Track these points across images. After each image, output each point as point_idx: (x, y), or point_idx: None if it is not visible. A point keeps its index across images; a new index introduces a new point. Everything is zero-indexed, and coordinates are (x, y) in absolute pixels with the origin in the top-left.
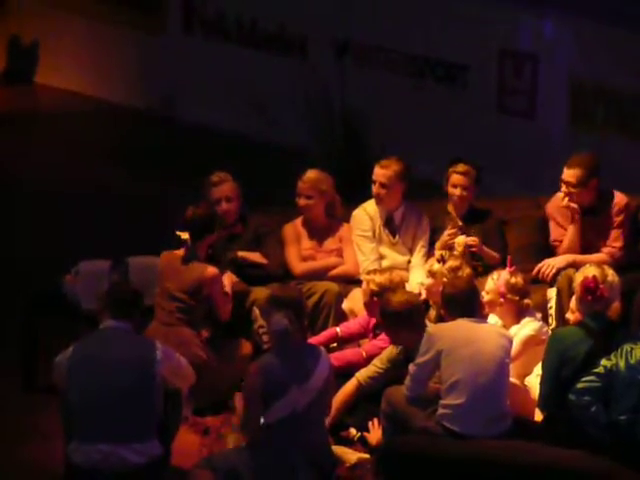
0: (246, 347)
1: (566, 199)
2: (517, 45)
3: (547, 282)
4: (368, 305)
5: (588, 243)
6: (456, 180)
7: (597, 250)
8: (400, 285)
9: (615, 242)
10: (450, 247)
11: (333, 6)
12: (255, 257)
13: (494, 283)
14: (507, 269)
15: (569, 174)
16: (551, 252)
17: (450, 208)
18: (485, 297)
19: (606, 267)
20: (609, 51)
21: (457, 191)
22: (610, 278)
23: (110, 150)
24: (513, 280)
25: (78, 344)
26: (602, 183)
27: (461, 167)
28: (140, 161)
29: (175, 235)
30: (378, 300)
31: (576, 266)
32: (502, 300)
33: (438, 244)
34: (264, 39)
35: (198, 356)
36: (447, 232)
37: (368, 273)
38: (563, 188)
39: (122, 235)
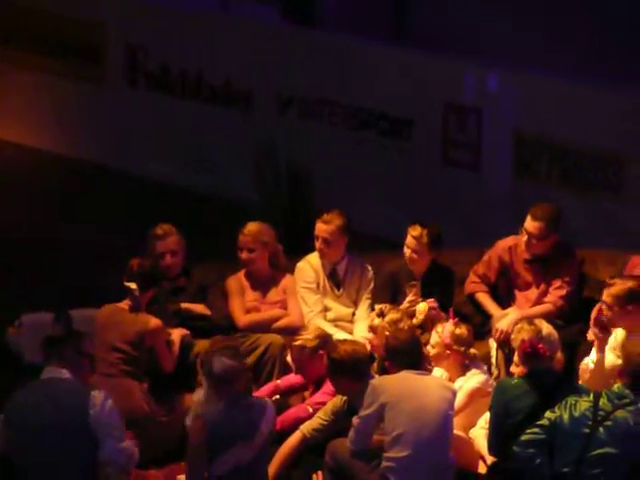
0: (190, 400)
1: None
2: (461, 99)
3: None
4: (306, 368)
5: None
6: (408, 242)
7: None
8: (329, 334)
9: (558, 291)
10: (412, 315)
11: (278, 60)
12: (199, 309)
13: (439, 336)
14: (451, 321)
15: (533, 226)
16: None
17: (410, 268)
18: (431, 351)
19: (538, 321)
20: (553, 104)
21: (407, 252)
22: (545, 332)
23: (48, 199)
24: (458, 331)
25: (10, 406)
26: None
27: (415, 230)
28: (79, 210)
29: (123, 286)
30: (320, 355)
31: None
32: (448, 352)
33: (401, 309)
34: (209, 93)
35: (141, 408)
36: (408, 299)
37: (295, 340)
38: (524, 237)
39: (59, 284)
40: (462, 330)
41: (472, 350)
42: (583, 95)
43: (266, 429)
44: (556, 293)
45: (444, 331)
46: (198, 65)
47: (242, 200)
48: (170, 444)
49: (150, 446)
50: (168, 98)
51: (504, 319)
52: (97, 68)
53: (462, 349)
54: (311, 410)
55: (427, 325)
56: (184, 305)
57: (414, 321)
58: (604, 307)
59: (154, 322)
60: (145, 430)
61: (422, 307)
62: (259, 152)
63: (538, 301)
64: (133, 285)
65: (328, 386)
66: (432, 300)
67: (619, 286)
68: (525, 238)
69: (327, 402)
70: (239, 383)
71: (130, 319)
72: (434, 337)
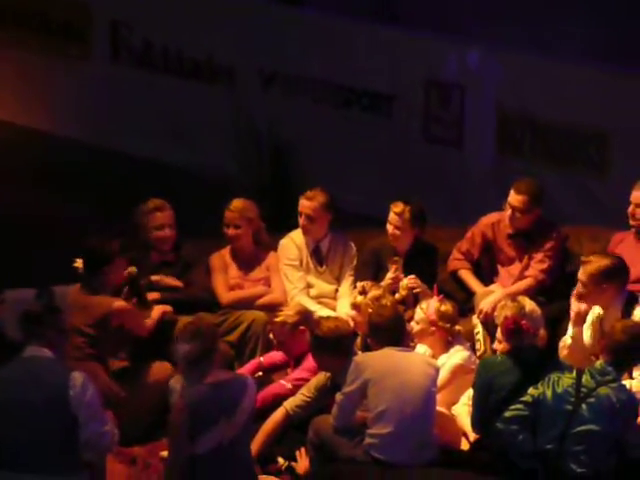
0: (164, 368)
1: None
2: (444, 75)
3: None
4: (287, 344)
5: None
6: (391, 218)
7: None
8: (311, 312)
9: (539, 265)
10: (394, 291)
11: (260, 36)
12: (168, 281)
13: (424, 312)
14: (435, 297)
15: (517, 199)
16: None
17: (393, 244)
18: (415, 327)
19: (521, 298)
20: (536, 81)
21: (390, 229)
22: (528, 309)
23: (36, 177)
24: (443, 308)
25: None
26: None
27: (397, 207)
28: (67, 188)
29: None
30: (300, 331)
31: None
32: (433, 329)
33: (383, 285)
34: (192, 69)
35: (108, 390)
36: (389, 275)
37: (276, 317)
38: (508, 211)
39: (44, 261)
40: (447, 307)
41: (457, 327)
42: (566, 72)
43: (247, 406)
44: (537, 267)
45: (429, 307)
46: (181, 41)
47: (224, 176)
48: (147, 418)
49: (128, 424)
50: (151, 74)
51: (487, 299)
52: (81, 44)
53: (447, 326)
54: (289, 387)
55: (410, 301)
56: (153, 277)
57: (397, 297)
58: (579, 285)
59: (118, 303)
60: (115, 411)
61: (405, 283)
62: (241, 128)
63: (521, 276)
64: (79, 263)
65: (308, 362)
66: (413, 277)
67: (594, 264)
68: (509, 212)
69: (306, 378)
70: (208, 361)
71: (95, 302)
72: (419, 313)
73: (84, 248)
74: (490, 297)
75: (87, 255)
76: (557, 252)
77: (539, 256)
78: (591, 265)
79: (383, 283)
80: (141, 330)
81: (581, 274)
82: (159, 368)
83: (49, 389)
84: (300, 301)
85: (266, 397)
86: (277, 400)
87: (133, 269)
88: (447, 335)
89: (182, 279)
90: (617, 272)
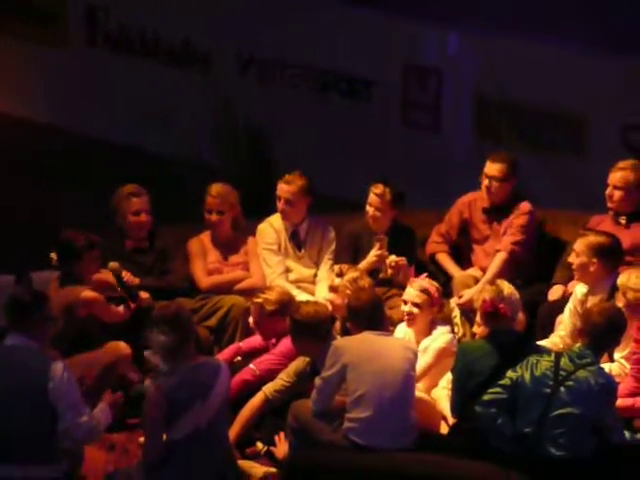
0: (118, 348)
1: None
2: (421, 60)
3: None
4: (264, 327)
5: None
6: (371, 200)
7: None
8: (293, 296)
9: (511, 238)
10: (376, 268)
11: (237, 21)
12: (128, 276)
13: (424, 294)
14: (422, 277)
15: (494, 168)
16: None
17: (372, 226)
18: (415, 310)
19: (499, 282)
20: (513, 65)
21: (370, 210)
22: (506, 292)
23: (11, 163)
24: (436, 284)
25: None
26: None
27: (377, 188)
28: (41, 174)
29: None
30: (277, 319)
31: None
32: (434, 308)
33: (364, 263)
34: (168, 53)
35: None
36: (374, 252)
37: (257, 296)
38: (485, 182)
39: (22, 247)
40: (436, 284)
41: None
42: (543, 55)
43: (221, 389)
44: (508, 240)
45: (428, 286)
46: (158, 26)
47: (202, 161)
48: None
49: None
50: (128, 59)
51: (468, 291)
52: (57, 30)
53: (444, 302)
54: (258, 372)
55: (396, 279)
56: (112, 264)
57: (382, 275)
58: (572, 255)
59: (86, 292)
60: None
61: (392, 259)
62: (219, 113)
63: (495, 254)
64: (54, 255)
65: (280, 346)
66: (403, 258)
67: (592, 237)
68: (486, 183)
69: (276, 362)
70: (187, 349)
71: (63, 292)
72: (417, 295)
73: (56, 240)
74: (471, 290)
75: (58, 248)
76: (528, 225)
77: (511, 230)
78: (588, 238)
79: (367, 260)
80: (113, 317)
81: (576, 244)
82: (113, 347)
83: (29, 379)
84: (285, 287)
85: (234, 384)
86: (246, 386)
87: (115, 265)
88: (434, 316)
89: (157, 267)
90: (609, 251)
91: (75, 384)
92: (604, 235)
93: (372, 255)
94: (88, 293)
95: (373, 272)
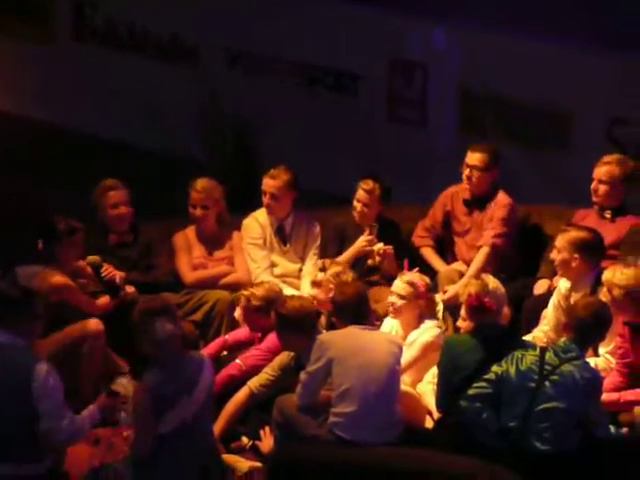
0: (87, 324)
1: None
2: (407, 54)
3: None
4: (250, 320)
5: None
6: (359, 196)
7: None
8: (281, 293)
9: (492, 231)
10: (365, 255)
11: (225, 15)
12: (108, 271)
13: (409, 286)
14: (414, 271)
15: (475, 157)
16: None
17: (357, 220)
18: (399, 302)
19: (485, 276)
20: (498, 60)
21: (358, 206)
22: (492, 287)
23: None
24: (427, 279)
25: None
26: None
27: (366, 184)
28: (31, 170)
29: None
30: (261, 315)
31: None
32: (421, 302)
33: (352, 249)
34: (156, 48)
35: None
36: (364, 237)
37: (246, 289)
38: (466, 172)
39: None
40: (427, 279)
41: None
42: (529, 50)
43: (205, 383)
44: (489, 233)
45: (417, 280)
46: (145, 20)
47: (189, 156)
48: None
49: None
50: (116, 54)
51: (452, 286)
52: (44, 24)
53: (432, 297)
54: (244, 367)
55: (384, 267)
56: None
57: (370, 262)
58: (554, 251)
59: (55, 278)
60: None
61: (380, 246)
62: (206, 107)
63: (476, 246)
64: (40, 242)
65: (266, 342)
66: (390, 247)
67: (572, 232)
68: (467, 172)
69: (260, 358)
70: (179, 345)
71: (39, 277)
72: (403, 287)
73: (40, 225)
74: (456, 285)
75: (41, 231)
76: (509, 218)
77: (491, 224)
78: (569, 233)
79: (356, 245)
80: (89, 308)
81: (557, 240)
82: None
83: (13, 377)
84: (276, 284)
85: (220, 379)
86: (233, 381)
87: (96, 258)
88: (423, 310)
89: (142, 261)
90: (591, 247)
91: (59, 386)
92: (585, 230)
93: (362, 240)
94: (58, 278)
95: (362, 260)
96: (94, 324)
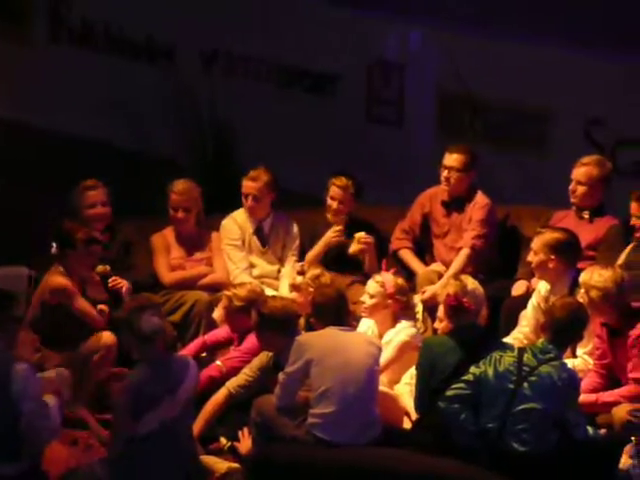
0: (99, 339)
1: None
2: (385, 55)
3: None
4: (231, 320)
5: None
6: (333, 193)
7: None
8: (263, 294)
9: (471, 233)
10: (333, 244)
11: (201, 15)
12: (117, 281)
13: (379, 286)
14: (390, 271)
15: (452, 159)
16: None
17: (330, 218)
18: (369, 301)
19: (463, 277)
20: (476, 60)
21: (334, 204)
22: (470, 287)
23: None
24: (399, 281)
25: None
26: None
27: (340, 181)
28: (8, 172)
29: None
30: (242, 315)
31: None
32: (389, 302)
33: (321, 242)
34: (132, 48)
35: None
36: (334, 228)
37: (228, 289)
38: (444, 173)
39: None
40: (402, 280)
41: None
42: (506, 51)
43: (190, 385)
44: (468, 235)
45: (386, 281)
46: (121, 20)
47: (166, 156)
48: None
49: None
50: (91, 54)
51: (430, 287)
52: (20, 25)
53: (404, 299)
54: (224, 369)
55: (364, 256)
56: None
57: (350, 250)
58: (531, 254)
59: (57, 280)
60: None
61: (360, 235)
62: (183, 108)
63: (455, 248)
64: (54, 245)
65: (246, 343)
66: (371, 237)
67: (548, 234)
68: (445, 174)
69: (240, 360)
70: (162, 342)
71: (43, 279)
72: (373, 287)
73: (57, 229)
74: (434, 285)
75: (57, 236)
76: (488, 219)
77: (471, 225)
78: (544, 235)
79: (327, 235)
80: (85, 314)
81: (534, 242)
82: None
83: None
84: (259, 286)
85: (202, 379)
86: (213, 383)
87: (107, 268)
88: (398, 310)
89: (120, 261)
90: (566, 247)
91: (39, 385)
92: (560, 231)
93: (331, 231)
94: (59, 280)
95: (342, 249)
96: (107, 337)
